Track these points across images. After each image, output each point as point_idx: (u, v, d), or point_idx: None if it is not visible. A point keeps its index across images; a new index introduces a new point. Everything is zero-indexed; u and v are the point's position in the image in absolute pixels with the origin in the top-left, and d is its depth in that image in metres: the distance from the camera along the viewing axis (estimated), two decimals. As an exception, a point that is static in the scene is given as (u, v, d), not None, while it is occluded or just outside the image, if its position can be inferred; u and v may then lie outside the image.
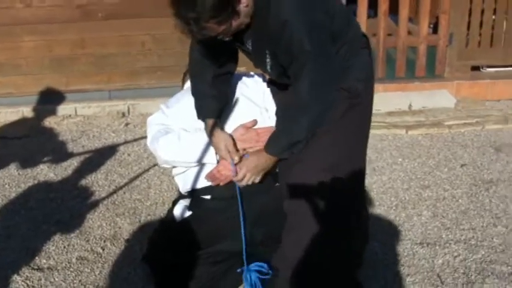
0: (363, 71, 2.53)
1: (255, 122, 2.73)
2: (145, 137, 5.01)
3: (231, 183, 2.67)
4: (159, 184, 4.10)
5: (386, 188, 4.10)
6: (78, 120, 5.30)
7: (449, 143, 4.96)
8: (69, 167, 4.36)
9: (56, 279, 3.01)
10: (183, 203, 2.91)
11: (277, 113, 2.56)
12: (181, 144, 2.71)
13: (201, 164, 2.72)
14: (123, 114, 5.39)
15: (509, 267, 3.15)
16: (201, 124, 2.70)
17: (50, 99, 5.44)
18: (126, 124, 5.24)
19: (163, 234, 2.99)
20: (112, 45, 5.47)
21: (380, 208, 3.81)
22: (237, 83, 2.86)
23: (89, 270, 3.09)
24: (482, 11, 6.09)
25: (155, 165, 4.38)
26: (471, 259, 3.23)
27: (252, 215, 2.70)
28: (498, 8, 6.10)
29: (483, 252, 3.29)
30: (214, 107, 2.62)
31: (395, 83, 5.95)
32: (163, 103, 2.91)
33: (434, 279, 3.04)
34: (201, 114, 2.64)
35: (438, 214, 3.73)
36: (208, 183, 2.73)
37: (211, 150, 2.67)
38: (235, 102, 2.83)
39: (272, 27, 2.24)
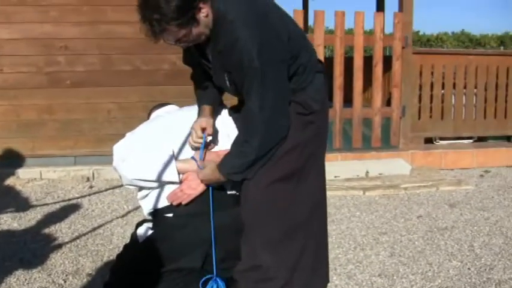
0: (319, 93, 2.66)
1: (213, 145, 2.85)
2: (112, 188, 5.15)
3: (192, 201, 2.77)
4: (122, 232, 4.14)
5: (344, 234, 4.21)
6: (43, 183, 5.35)
7: (406, 202, 5.14)
8: (33, 219, 4.38)
9: (16, 305, 3.00)
10: (146, 224, 2.98)
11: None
12: (145, 163, 2.80)
13: (164, 182, 2.81)
14: (88, 179, 5.47)
15: (465, 291, 3.26)
16: (164, 145, 2.83)
17: (15, 163, 5.50)
18: (91, 187, 5.31)
19: (125, 258, 3.02)
20: (79, 112, 5.65)
21: (339, 249, 3.91)
22: None
23: (50, 298, 3.09)
24: (432, 86, 6.51)
25: (118, 217, 4.44)
26: (428, 286, 3.32)
27: (208, 233, 2.75)
28: (446, 82, 6.53)
29: (440, 281, 3.40)
30: (210, 95, 2.75)
31: (352, 152, 6.20)
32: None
33: (393, 302, 3.12)
34: (199, 101, 2.78)
35: (395, 254, 3.84)
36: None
37: (174, 169, 2.77)
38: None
39: (225, 43, 2.42)
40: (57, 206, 4.75)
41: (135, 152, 2.86)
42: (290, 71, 2.54)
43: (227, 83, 2.58)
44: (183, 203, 2.76)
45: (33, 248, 3.79)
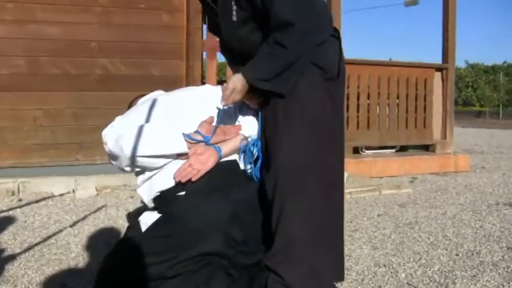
0: (336, 56, 2.47)
1: (212, 118, 2.58)
2: (43, 199, 4.64)
3: (204, 176, 2.46)
4: (79, 241, 3.67)
5: (317, 232, 4.02)
6: (-39, 198, 4.69)
7: (356, 204, 5.07)
8: (-34, 234, 3.78)
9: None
10: (150, 210, 2.60)
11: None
12: (148, 134, 2.47)
13: (171, 155, 2.48)
14: (13, 193, 4.86)
15: (468, 272, 3.18)
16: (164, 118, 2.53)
17: None
18: (20, 200, 4.72)
19: (117, 255, 2.60)
20: (2, 120, 5.03)
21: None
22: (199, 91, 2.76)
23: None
24: (358, 95, 6.58)
25: (67, 227, 3.96)
26: (431, 271, 3.22)
27: (227, 211, 2.46)
28: (371, 92, 6.63)
29: (438, 266, 3.31)
30: None
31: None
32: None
33: (407, 287, 2.97)
34: None
35: (378, 247, 3.71)
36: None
37: (181, 137, 2.46)
38: (198, 103, 2.69)
39: None
40: (-12, 220, 4.15)
41: (134, 126, 2.52)
42: None
43: (233, 14, 2.29)
44: (193, 179, 2.44)
45: (-16, 261, 3.24)
